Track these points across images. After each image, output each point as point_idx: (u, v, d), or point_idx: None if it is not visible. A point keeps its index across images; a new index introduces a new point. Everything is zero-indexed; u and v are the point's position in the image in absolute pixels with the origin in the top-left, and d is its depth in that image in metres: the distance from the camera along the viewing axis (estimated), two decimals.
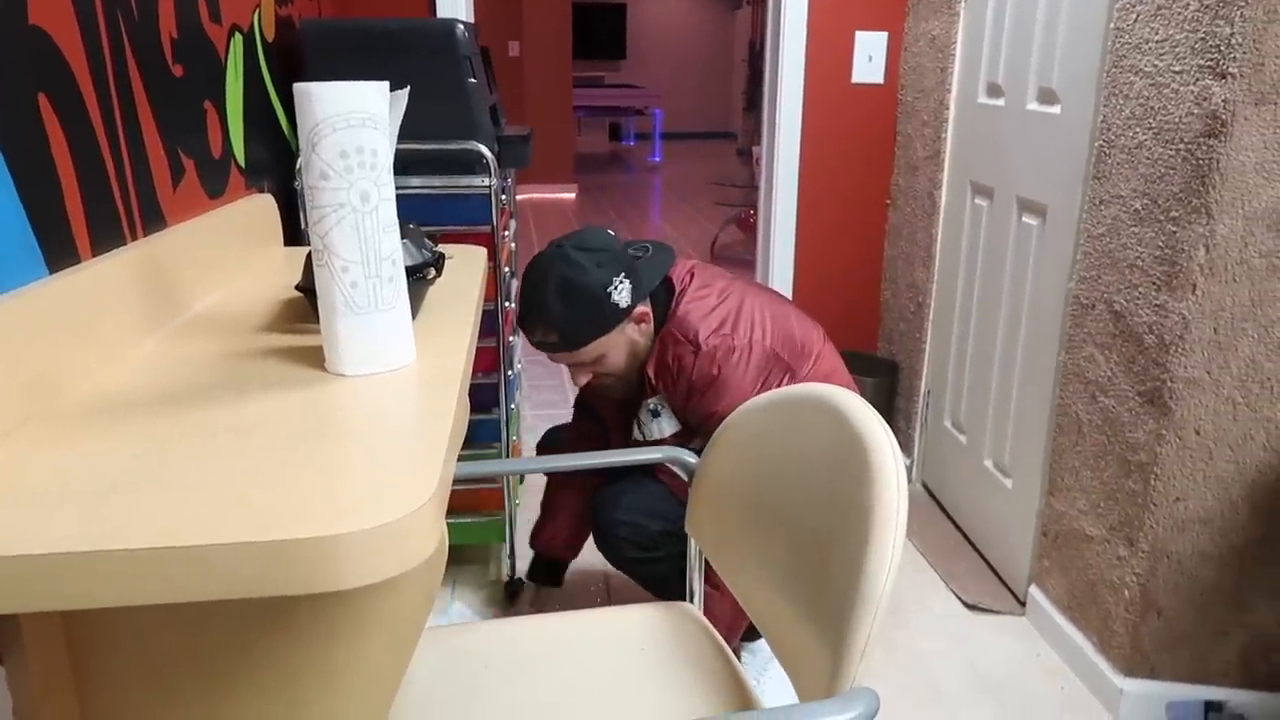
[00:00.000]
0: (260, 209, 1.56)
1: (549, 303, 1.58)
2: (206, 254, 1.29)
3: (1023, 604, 2.14)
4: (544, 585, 2.09)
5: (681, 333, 1.63)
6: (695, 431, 1.67)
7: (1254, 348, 1.57)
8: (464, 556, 2.34)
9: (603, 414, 1.93)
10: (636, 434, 1.78)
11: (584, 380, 1.70)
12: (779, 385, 1.64)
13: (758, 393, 1.61)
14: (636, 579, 1.76)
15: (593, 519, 1.75)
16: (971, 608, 2.16)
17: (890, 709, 1.82)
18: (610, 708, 1.12)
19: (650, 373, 1.68)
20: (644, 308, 1.65)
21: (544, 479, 2.09)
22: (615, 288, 1.58)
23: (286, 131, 1.92)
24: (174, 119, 1.31)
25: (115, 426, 0.81)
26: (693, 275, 1.72)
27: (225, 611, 0.84)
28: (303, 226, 1.91)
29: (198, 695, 0.87)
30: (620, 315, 1.61)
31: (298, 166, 1.89)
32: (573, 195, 8.48)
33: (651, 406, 1.71)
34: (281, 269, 1.46)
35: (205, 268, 1.27)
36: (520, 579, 2.19)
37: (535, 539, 2.04)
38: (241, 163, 1.60)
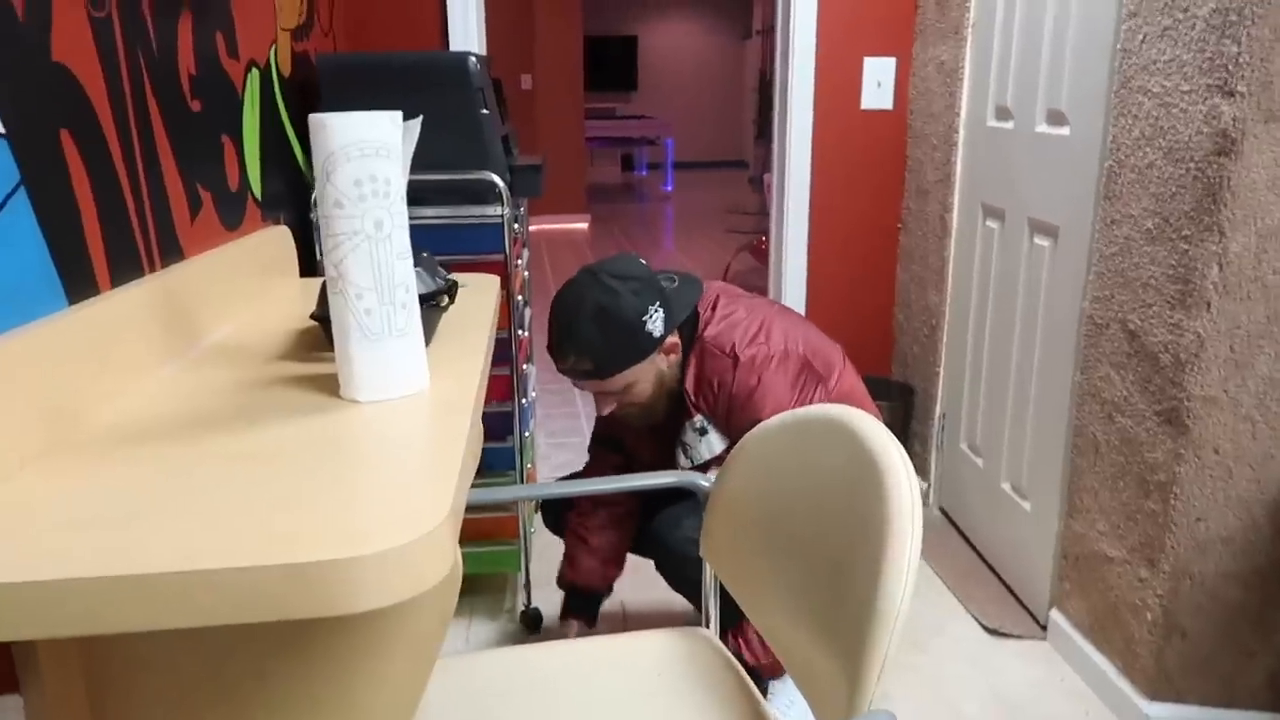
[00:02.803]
0: (276, 241, 1.58)
1: (583, 329, 1.56)
2: (223, 285, 1.30)
3: (1043, 627, 2.12)
4: (579, 620, 1.95)
5: (717, 347, 1.63)
6: None
7: (1272, 365, 1.56)
8: (480, 586, 2.33)
9: (629, 442, 1.91)
10: (682, 460, 1.74)
11: (608, 410, 1.69)
12: (813, 394, 1.64)
13: (795, 400, 1.61)
14: (696, 602, 1.73)
15: (657, 541, 1.73)
16: (992, 632, 2.13)
17: None
18: None
19: (689, 390, 1.66)
20: (674, 338, 1.64)
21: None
22: (650, 317, 1.57)
23: (302, 164, 1.95)
24: (192, 153, 1.33)
25: (133, 454, 0.82)
26: (717, 298, 1.73)
27: (243, 638, 0.85)
28: (318, 258, 1.93)
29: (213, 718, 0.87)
30: (653, 345, 1.60)
31: (313, 199, 1.92)
32: (585, 225, 8.53)
33: (698, 425, 1.69)
34: (297, 300, 1.48)
35: (222, 299, 1.29)
36: (537, 608, 2.18)
37: (565, 577, 1.94)
38: (258, 195, 1.63)
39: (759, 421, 1.19)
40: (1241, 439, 1.60)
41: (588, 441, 2.04)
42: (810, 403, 1.64)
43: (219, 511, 0.70)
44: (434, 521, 0.67)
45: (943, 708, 1.88)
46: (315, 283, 1.65)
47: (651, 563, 1.83)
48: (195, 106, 1.35)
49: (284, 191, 1.80)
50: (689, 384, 1.67)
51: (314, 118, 0.91)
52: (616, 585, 1.94)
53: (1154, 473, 1.71)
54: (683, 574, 1.72)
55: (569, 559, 1.93)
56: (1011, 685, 1.95)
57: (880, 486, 0.88)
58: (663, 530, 1.73)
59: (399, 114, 0.94)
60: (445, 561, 0.68)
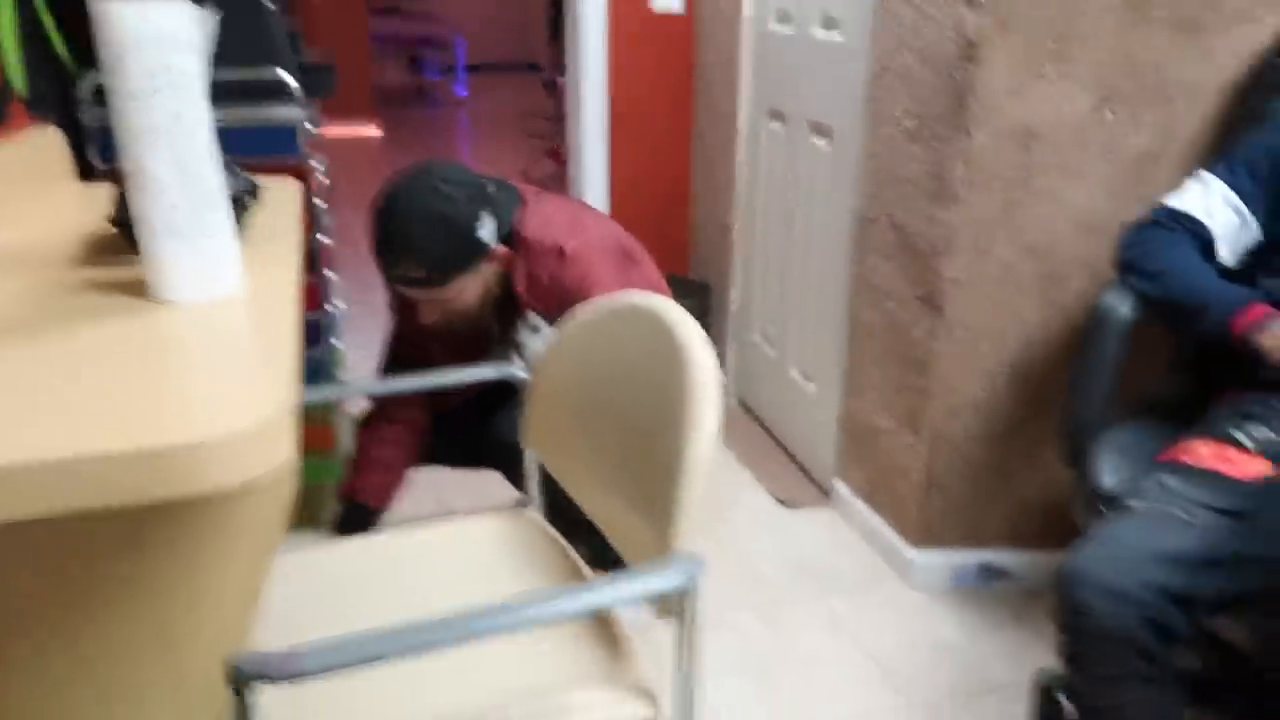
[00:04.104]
0: (48, 143, 1.48)
1: (417, 236, 1.52)
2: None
3: (828, 495, 2.37)
4: (356, 533, 1.86)
5: (540, 244, 1.65)
6: None
7: (1006, 250, 1.80)
8: (301, 499, 2.31)
9: (435, 360, 1.88)
10: (518, 362, 1.72)
11: (432, 318, 1.66)
12: (634, 277, 1.70)
13: (621, 284, 1.64)
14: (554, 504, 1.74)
15: (501, 443, 1.71)
16: (783, 503, 2.36)
17: (717, 595, 1.99)
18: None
19: (522, 290, 1.67)
20: (502, 248, 1.64)
21: None
22: (482, 224, 1.57)
23: (65, 58, 1.79)
24: None
25: None
26: (523, 196, 1.75)
27: (77, 535, 0.84)
28: (91, 159, 1.80)
29: (56, 627, 0.87)
30: (484, 253, 1.60)
31: (82, 96, 1.78)
32: (377, 132, 8.18)
33: (533, 323, 1.72)
34: (79, 205, 1.40)
35: None
36: (362, 504, 2.18)
37: (348, 490, 1.92)
38: (22, 92, 1.50)
39: None
40: (983, 317, 1.85)
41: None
42: (633, 284, 1.71)
43: (48, 409, 0.70)
44: (275, 404, 0.70)
45: (742, 571, 2.09)
46: (95, 188, 1.55)
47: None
48: None
49: (48, 89, 1.66)
50: (520, 284, 1.68)
51: (99, 6, 0.87)
52: (439, 487, 1.96)
53: (915, 350, 1.94)
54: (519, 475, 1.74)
55: (358, 471, 1.90)
56: (801, 547, 2.18)
57: (681, 362, 0.99)
58: (506, 432, 1.74)
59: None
60: (289, 441, 0.72)
